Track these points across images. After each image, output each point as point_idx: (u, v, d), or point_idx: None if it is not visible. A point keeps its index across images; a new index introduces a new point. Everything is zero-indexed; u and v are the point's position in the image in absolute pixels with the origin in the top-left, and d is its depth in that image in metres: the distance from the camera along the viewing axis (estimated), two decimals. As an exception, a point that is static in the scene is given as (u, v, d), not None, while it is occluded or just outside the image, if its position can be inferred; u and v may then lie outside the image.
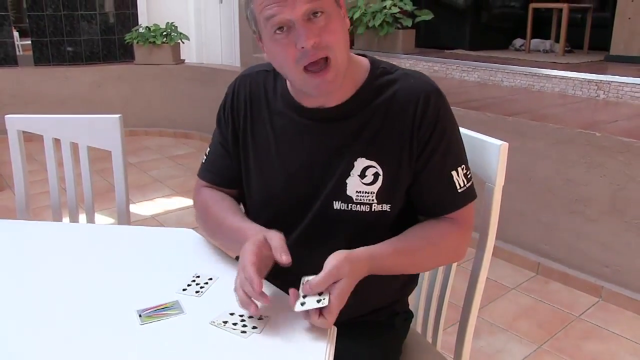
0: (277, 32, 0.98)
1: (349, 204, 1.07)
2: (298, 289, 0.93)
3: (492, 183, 1.17)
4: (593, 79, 3.38)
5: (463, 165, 1.09)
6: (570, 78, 3.48)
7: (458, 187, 1.08)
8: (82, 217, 1.63)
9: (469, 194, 1.10)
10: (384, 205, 1.07)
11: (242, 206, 1.23)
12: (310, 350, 0.88)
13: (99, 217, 3.09)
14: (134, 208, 3.48)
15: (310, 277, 0.93)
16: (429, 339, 1.41)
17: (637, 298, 2.42)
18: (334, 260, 0.93)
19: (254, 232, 1.03)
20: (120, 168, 1.48)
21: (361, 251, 0.98)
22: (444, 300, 1.35)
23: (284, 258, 0.93)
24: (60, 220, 1.60)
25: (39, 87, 4.95)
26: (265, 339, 0.90)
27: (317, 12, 0.96)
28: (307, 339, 0.90)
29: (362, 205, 1.07)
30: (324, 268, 0.92)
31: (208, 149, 1.24)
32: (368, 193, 1.06)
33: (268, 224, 1.14)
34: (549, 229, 2.69)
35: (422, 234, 1.09)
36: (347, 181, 1.07)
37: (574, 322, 2.36)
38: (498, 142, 1.16)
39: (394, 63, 1.15)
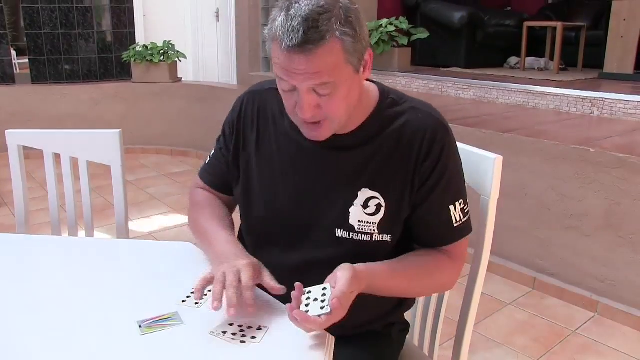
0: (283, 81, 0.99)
1: (351, 233, 1.08)
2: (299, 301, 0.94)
3: (487, 196, 1.19)
4: (587, 96, 3.43)
5: (461, 201, 1.11)
6: (564, 95, 3.52)
7: (455, 222, 1.10)
8: (81, 233, 1.64)
9: (465, 229, 1.13)
10: (385, 236, 1.09)
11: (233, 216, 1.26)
12: (308, 359, 0.89)
13: (97, 234, 3.09)
14: (131, 225, 3.46)
15: (312, 288, 0.94)
16: (426, 352, 1.42)
17: (633, 312, 2.42)
18: (347, 272, 0.95)
19: (229, 249, 1.07)
20: (120, 183, 1.49)
21: (362, 267, 0.99)
22: (440, 314, 1.36)
23: (279, 288, 0.99)
24: (59, 235, 1.61)
25: (37, 105, 4.97)
26: (264, 349, 0.91)
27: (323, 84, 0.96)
28: (305, 348, 0.91)
29: (363, 235, 1.08)
30: (341, 278, 0.94)
31: (212, 150, 1.26)
32: (370, 224, 1.08)
33: (268, 242, 1.16)
34: (545, 244, 2.70)
35: (418, 262, 1.11)
36: (350, 211, 1.08)
37: (570, 337, 2.36)
38: (492, 155, 1.18)
39: (399, 90, 1.16)
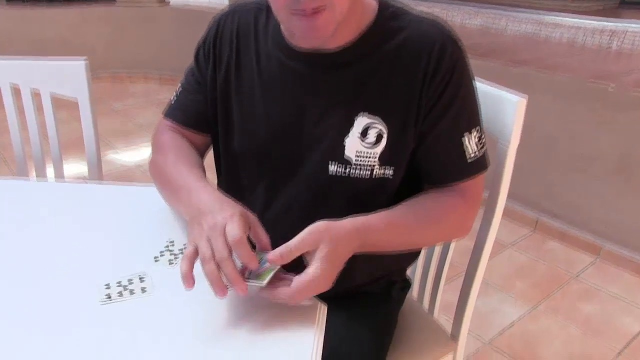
0: None
1: (347, 167, 0.92)
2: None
3: (506, 142, 1.05)
4: (606, 27, 3.18)
5: (477, 128, 0.95)
6: (580, 25, 3.29)
7: (468, 155, 0.94)
8: (51, 172, 1.49)
9: (480, 163, 0.96)
10: (386, 169, 0.93)
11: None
12: (297, 330, 0.77)
13: (71, 168, 2.96)
14: (118, 156, 3.34)
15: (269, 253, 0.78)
16: (426, 306, 1.32)
17: (637, 258, 2.35)
18: (310, 227, 0.79)
19: (208, 199, 0.84)
20: (89, 118, 1.32)
21: (347, 221, 0.83)
22: (443, 266, 1.25)
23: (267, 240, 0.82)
24: (26, 175, 1.46)
25: (12, 28, 4.68)
26: (246, 322, 0.78)
27: None
28: (293, 319, 0.79)
29: (362, 169, 0.92)
30: (298, 235, 0.78)
31: (179, 86, 1.08)
32: (369, 155, 0.92)
33: (250, 184, 1.01)
34: (550, 185, 2.59)
35: (421, 207, 0.95)
36: (346, 141, 0.92)
37: (571, 282, 2.29)
38: (515, 96, 1.02)
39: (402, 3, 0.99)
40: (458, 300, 1.20)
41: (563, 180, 2.54)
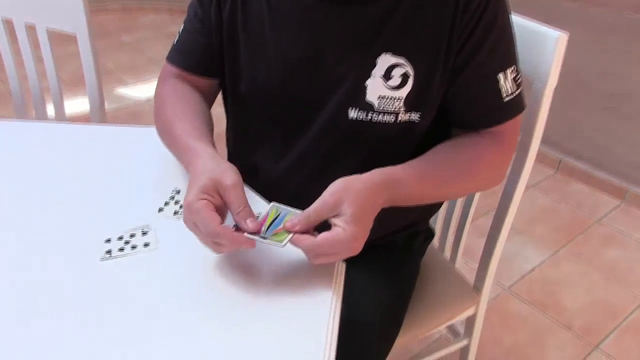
0: None
1: (369, 113, 0.83)
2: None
3: (542, 84, 0.95)
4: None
5: (513, 67, 0.85)
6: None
7: (504, 95, 0.85)
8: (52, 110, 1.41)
9: (517, 104, 0.87)
10: (412, 114, 0.84)
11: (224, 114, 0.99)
12: (314, 290, 0.71)
13: (78, 105, 2.88)
14: (128, 91, 3.25)
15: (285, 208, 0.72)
16: (447, 255, 1.26)
17: (665, 202, 2.26)
18: (330, 188, 0.72)
19: (203, 165, 0.75)
20: (89, 53, 1.23)
21: (371, 175, 0.75)
22: (467, 214, 1.18)
23: (249, 224, 0.69)
24: (25, 114, 1.38)
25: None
26: (260, 280, 0.72)
27: None
28: (310, 278, 0.73)
29: (385, 115, 0.83)
30: (317, 200, 0.71)
31: (182, 26, 0.98)
32: (394, 99, 0.82)
33: (261, 132, 0.93)
34: (576, 124, 2.47)
35: (453, 155, 0.86)
36: (367, 83, 0.82)
37: (594, 227, 2.22)
38: (554, 32, 0.92)
39: None
40: (482, 252, 1.14)
41: (589, 120, 2.42)
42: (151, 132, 1.03)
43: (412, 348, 1.54)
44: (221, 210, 0.70)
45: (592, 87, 2.37)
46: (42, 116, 1.39)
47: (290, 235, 0.68)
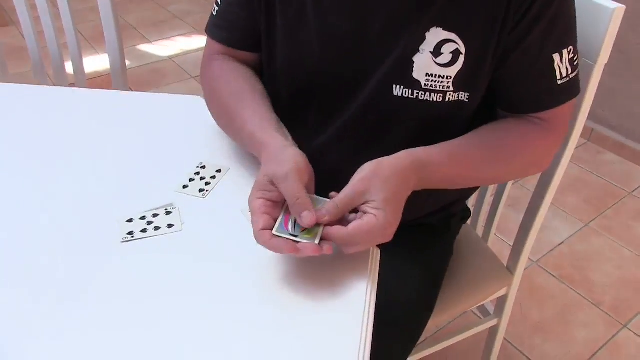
0: None
1: (415, 91, 0.77)
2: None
3: (592, 60, 0.88)
4: None
5: (570, 48, 0.78)
6: None
7: (558, 77, 0.78)
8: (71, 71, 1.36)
9: (571, 88, 0.80)
10: (460, 94, 0.78)
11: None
12: (349, 278, 0.67)
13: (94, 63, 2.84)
14: (150, 49, 3.19)
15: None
16: (479, 233, 1.22)
17: (702, 176, 2.18)
18: (357, 173, 0.69)
19: (267, 158, 0.72)
20: (108, 8, 1.16)
21: (400, 156, 0.71)
22: (503, 193, 1.13)
23: (303, 218, 0.65)
24: (44, 74, 1.34)
25: None
26: (291, 267, 0.69)
27: None
28: (345, 265, 0.69)
29: (432, 94, 0.77)
30: (345, 188, 0.67)
31: None
32: (442, 78, 0.76)
33: (297, 110, 0.87)
34: (610, 92, 2.37)
35: (494, 139, 0.80)
36: (415, 59, 0.76)
37: (626, 199, 2.15)
38: (611, 2, 0.84)
39: None
40: (518, 232, 1.10)
41: (627, 88, 2.32)
42: (174, 99, 0.98)
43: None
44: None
45: (631, 54, 2.26)
46: (60, 74, 1.34)
47: (321, 228, 0.65)
